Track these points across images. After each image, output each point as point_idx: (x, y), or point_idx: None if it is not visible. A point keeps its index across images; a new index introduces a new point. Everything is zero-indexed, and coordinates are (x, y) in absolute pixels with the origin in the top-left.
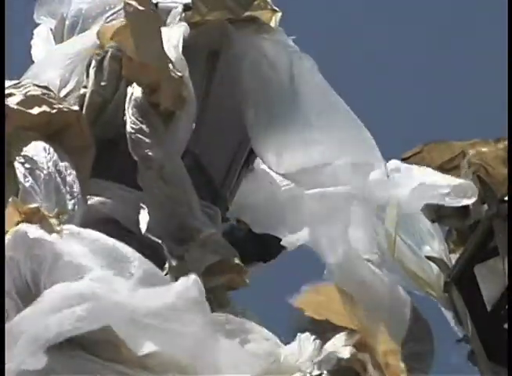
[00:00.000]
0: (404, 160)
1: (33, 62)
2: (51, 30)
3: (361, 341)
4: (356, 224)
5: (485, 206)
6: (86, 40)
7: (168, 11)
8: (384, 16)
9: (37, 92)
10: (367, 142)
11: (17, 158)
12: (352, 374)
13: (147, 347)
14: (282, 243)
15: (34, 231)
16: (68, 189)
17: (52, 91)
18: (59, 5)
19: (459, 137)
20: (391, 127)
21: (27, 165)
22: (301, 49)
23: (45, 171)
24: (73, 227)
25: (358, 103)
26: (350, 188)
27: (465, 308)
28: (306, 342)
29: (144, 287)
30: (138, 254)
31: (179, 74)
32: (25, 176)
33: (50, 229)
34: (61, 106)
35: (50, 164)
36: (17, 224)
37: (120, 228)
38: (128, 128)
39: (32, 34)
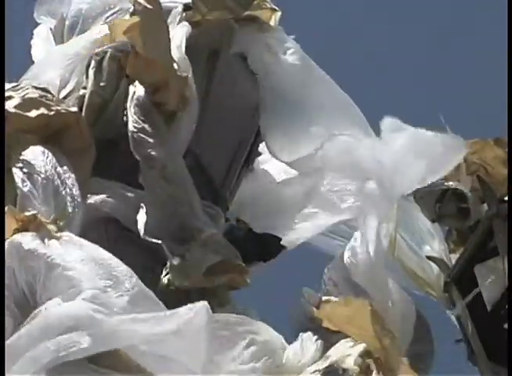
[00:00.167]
0: None
1: (33, 62)
2: (51, 29)
3: (366, 350)
4: None
5: (485, 206)
6: (86, 40)
7: (168, 11)
8: (384, 16)
9: (35, 94)
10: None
11: (15, 163)
12: None
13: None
14: (282, 242)
15: (28, 242)
16: (68, 191)
17: (50, 92)
18: (59, 4)
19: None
20: None
21: (25, 170)
22: (301, 49)
23: (42, 175)
24: (70, 234)
25: (358, 102)
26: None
27: (465, 308)
28: (308, 342)
29: (138, 307)
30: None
31: (184, 73)
32: (23, 181)
33: (48, 236)
34: (59, 108)
35: (48, 167)
36: (15, 232)
37: (120, 227)
38: (130, 127)
39: (32, 34)
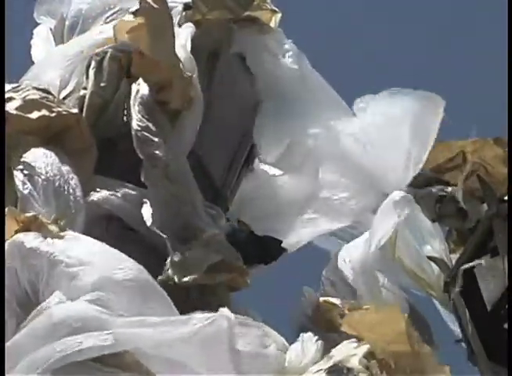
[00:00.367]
0: None
1: (33, 62)
2: (51, 30)
3: (370, 352)
4: None
5: (485, 206)
6: (86, 41)
7: None
8: (384, 16)
9: (36, 95)
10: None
11: (16, 165)
12: None
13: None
14: (283, 245)
15: (30, 240)
16: (71, 191)
17: (51, 94)
18: (59, 4)
19: (459, 137)
20: None
21: (25, 172)
22: (301, 49)
23: (43, 177)
24: (72, 233)
25: None
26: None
27: (465, 308)
28: (309, 343)
29: (147, 305)
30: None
31: (189, 73)
32: (23, 183)
33: (50, 236)
34: (60, 109)
35: (49, 168)
36: (15, 233)
37: (122, 225)
38: (134, 126)
39: (32, 34)
